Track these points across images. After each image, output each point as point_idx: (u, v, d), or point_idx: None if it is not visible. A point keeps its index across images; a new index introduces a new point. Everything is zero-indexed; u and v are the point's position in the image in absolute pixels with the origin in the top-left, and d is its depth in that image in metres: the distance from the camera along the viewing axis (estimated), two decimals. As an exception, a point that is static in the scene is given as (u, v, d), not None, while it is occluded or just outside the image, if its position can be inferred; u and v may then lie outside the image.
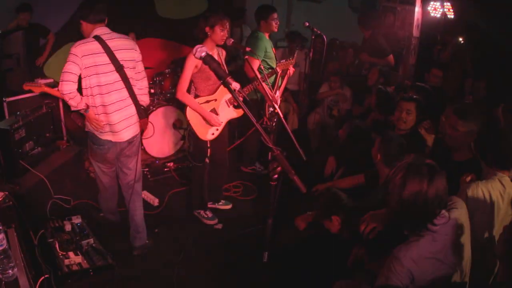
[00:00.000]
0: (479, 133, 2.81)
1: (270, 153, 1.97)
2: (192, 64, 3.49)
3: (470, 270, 2.19)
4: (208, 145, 3.78)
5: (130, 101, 3.19)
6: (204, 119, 3.67)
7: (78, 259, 3.01)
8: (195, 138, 3.74)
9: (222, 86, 3.63)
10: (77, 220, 3.45)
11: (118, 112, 3.12)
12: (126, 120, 3.19)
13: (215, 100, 3.71)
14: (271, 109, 4.25)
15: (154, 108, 4.92)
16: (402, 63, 6.03)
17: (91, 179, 4.54)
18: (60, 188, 3.97)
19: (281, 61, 4.22)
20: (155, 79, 5.35)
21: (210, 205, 4.14)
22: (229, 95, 3.74)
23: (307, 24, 4.77)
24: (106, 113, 3.09)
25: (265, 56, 4.41)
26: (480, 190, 2.41)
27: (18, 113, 3.75)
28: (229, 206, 4.28)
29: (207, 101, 3.67)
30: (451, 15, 5.56)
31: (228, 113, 3.82)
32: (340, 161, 4.03)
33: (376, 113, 4.39)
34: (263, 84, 3.70)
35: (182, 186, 4.59)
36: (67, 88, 2.89)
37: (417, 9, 5.88)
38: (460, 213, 2.08)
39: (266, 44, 4.44)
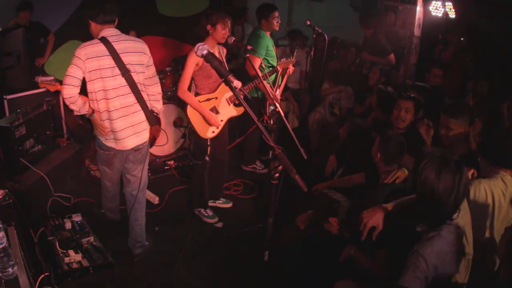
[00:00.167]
0: (482, 132, 2.83)
1: (271, 152, 1.96)
2: (193, 62, 3.48)
3: (470, 269, 2.19)
4: (208, 143, 3.78)
5: (137, 107, 3.05)
6: (204, 117, 3.66)
7: (78, 257, 3.00)
8: (195, 136, 3.74)
9: (222, 84, 3.65)
10: (77, 218, 3.44)
11: (122, 119, 2.99)
12: (132, 127, 3.06)
13: (216, 98, 3.70)
14: (271, 107, 4.25)
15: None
16: (403, 63, 6.01)
17: (91, 177, 4.55)
18: (61, 186, 3.97)
19: (282, 59, 4.21)
20: (155, 77, 5.33)
21: (210, 203, 4.14)
22: (229, 93, 3.74)
23: (308, 22, 4.77)
24: (111, 119, 2.98)
25: (266, 54, 4.41)
26: (483, 188, 2.42)
27: (19, 110, 3.75)
28: (229, 205, 4.28)
29: (208, 99, 3.67)
30: (452, 15, 5.54)
31: (228, 111, 3.82)
32: (341, 160, 4.02)
33: (377, 112, 4.39)
34: (264, 82, 3.70)
35: (183, 184, 4.58)
36: (67, 92, 2.78)
37: (419, 8, 5.86)
38: (463, 206, 2.12)
39: (268, 42, 4.43)
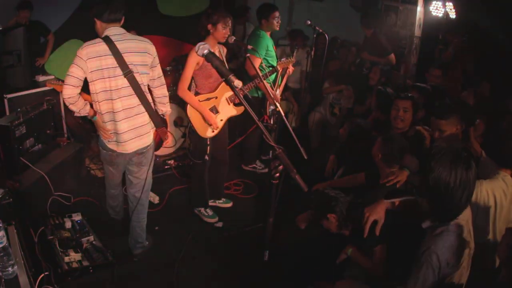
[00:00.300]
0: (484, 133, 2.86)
1: (271, 152, 1.96)
2: (194, 61, 3.48)
3: (470, 269, 2.19)
4: (208, 143, 3.78)
5: (141, 109, 2.95)
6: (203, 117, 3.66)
7: (78, 256, 3.00)
8: (195, 136, 3.73)
9: (222, 84, 3.65)
10: (77, 217, 3.44)
11: (124, 121, 2.90)
12: (134, 130, 2.96)
13: (216, 97, 3.70)
14: (272, 107, 4.26)
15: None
16: (403, 63, 6.02)
17: (91, 176, 4.55)
18: (61, 185, 3.97)
19: (282, 59, 4.22)
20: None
21: (210, 203, 4.14)
22: (229, 93, 3.74)
23: (309, 22, 4.77)
24: (113, 121, 2.89)
25: (266, 54, 4.40)
26: (484, 190, 2.42)
27: (19, 109, 3.75)
28: (229, 204, 4.28)
29: (208, 99, 3.67)
30: (453, 15, 5.54)
31: (228, 111, 3.82)
32: (341, 160, 4.02)
33: (377, 113, 4.39)
34: (264, 82, 3.70)
35: (183, 184, 4.58)
36: (66, 92, 2.72)
37: (419, 8, 5.86)
38: None
39: (268, 42, 4.43)
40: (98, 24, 2.82)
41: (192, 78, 3.62)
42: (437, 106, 3.28)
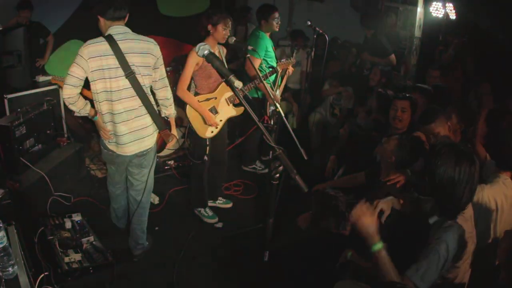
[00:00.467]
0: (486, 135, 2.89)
1: (271, 152, 1.96)
2: (193, 61, 3.48)
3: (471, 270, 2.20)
4: (208, 143, 3.77)
5: (143, 111, 2.89)
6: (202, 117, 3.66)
7: (78, 256, 3.01)
8: (194, 136, 3.73)
9: (222, 84, 3.65)
10: (77, 217, 3.45)
11: (125, 123, 2.85)
12: (135, 132, 2.90)
13: (215, 98, 3.71)
14: (272, 108, 4.26)
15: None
16: (403, 64, 6.02)
17: (91, 176, 4.55)
18: (61, 185, 3.98)
19: (282, 60, 4.22)
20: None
21: (210, 203, 4.14)
22: (229, 94, 3.74)
23: (309, 23, 4.76)
24: (113, 122, 2.85)
25: (265, 55, 4.41)
26: (486, 195, 2.41)
27: (19, 109, 3.75)
28: (229, 205, 4.28)
29: (207, 99, 3.67)
30: (453, 16, 5.55)
31: (228, 111, 3.82)
32: (341, 161, 4.03)
33: (378, 115, 4.38)
34: (265, 83, 3.70)
35: (183, 184, 4.58)
36: (66, 92, 2.68)
37: (419, 9, 5.87)
38: None
39: (267, 43, 4.43)
40: (102, 21, 2.76)
41: (192, 78, 3.63)
42: (420, 116, 3.34)
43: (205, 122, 3.67)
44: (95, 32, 2.87)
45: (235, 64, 5.78)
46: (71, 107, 2.78)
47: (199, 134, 3.69)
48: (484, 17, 5.45)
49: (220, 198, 4.26)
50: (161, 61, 2.95)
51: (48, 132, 4.10)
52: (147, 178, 3.13)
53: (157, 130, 3.05)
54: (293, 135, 2.78)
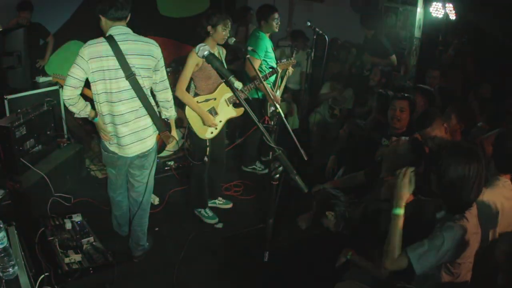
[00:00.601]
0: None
1: (271, 153, 1.97)
2: (193, 62, 3.48)
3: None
4: (207, 144, 3.77)
5: (143, 112, 2.88)
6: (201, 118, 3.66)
7: (78, 257, 3.01)
8: (194, 137, 3.73)
9: (221, 85, 3.64)
10: (77, 218, 3.45)
11: (126, 125, 2.83)
12: (136, 134, 2.89)
13: (215, 99, 3.70)
14: (272, 108, 4.26)
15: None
16: (403, 64, 6.02)
17: (91, 177, 4.56)
18: (61, 186, 3.98)
19: (282, 61, 4.21)
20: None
21: (210, 204, 4.14)
22: (228, 94, 3.73)
23: (309, 23, 4.77)
24: (114, 124, 2.83)
25: (265, 56, 4.40)
26: (486, 198, 2.41)
27: (19, 110, 3.75)
28: (229, 205, 4.28)
29: (206, 100, 3.66)
30: (452, 16, 5.55)
31: (227, 112, 3.81)
32: (341, 161, 4.03)
33: (378, 115, 4.39)
34: (265, 83, 3.70)
35: (183, 185, 4.59)
36: (66, 94, 2.66)
37: (419, 9, 5.88)
38: None
39: (267, 44, 4.43)
40: (103, 21, 2.74)
41: (192, 79, 3.62)
42: (415, 121, 3.36)
43: (204, 123, 3.67)
44: (95, 33, 2.85)
45: (236, 65, 5.78)
46: (71, 109, 2.76)
47: (199, 135, 3.69)
48: (484, 17, 5.45)
49: (220, 198, 4.26)
50: (162, 63, 2.94)
51: (48, 132, 4.10)
52: (148, 179, 3.13)
53: (157, 131, 3.05)
54: (293, 135, 2.78)
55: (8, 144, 3.54)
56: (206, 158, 3.78)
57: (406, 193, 2.17)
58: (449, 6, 5.47)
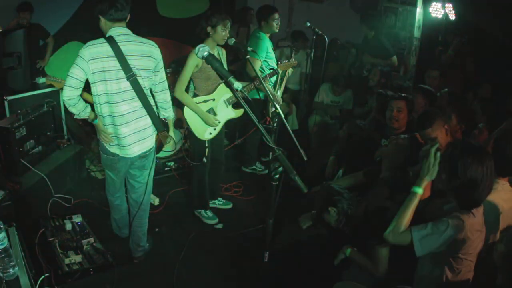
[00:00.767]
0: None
1: (271, 153, 1.97)
2: (193, 63, 3.48)
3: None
4: (207, 145, 3.77)
5: (143, 112, 2.89)
6: (202, 118, 3.66)
7: (79, 258, 3.02)
8: (193, 138, 3.73)
9: (220, 86, 3.64)
10: (77, 219, 3.46)
11: (126, 125, 2.84)
12: (137, 134, 2.90)
13: (213, 100, 3.70)
14: (273, 109, 4.26)
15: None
16: (403, 64, 6.03)
17: (91, 178, 4.56)
18: (61, 187, 3.99)
19: (283, 61, 4.21)
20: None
21: (210, 204, 4.14)
22: (228, 95, 3.73)
23: (308, 24, 4.77)
24: (114, 125, 2.83)
25: (266, 56, 4.41)
26: (486, 200, 2.41)
27: (19, 111, 3.75)
28: (229, 206, 4.28)
29: (205, 101, 3.65)
30: (452, 16, 5.56)
31: (226, 113, 3.80)
32: (341, 161, 4.03)
33: (378, 116, 4.39)
34: (265, 84, 3.69)
35: (183, 186, 4.59)
36: (66, 94, 2.65)
37: (418, 9, 5.88)
38: None
39: (267, 44, 4.43)
40: (103, 22, 2.73)
41: (191, 80, 3.62)
42: (416, 121, 3.34)
43: (203, 124, 3.66)
44: (95, 34, 2.85)
45: (236, 65, 5.78)
46: (71, 109, 2.76)
47: (198, 135, 3.69)
48: (484, 17, 5.46)
49: (220, 199, 4.27)
50: (161, 64, 2.95)
51: (48, 133, 4.10)
52: (148, 179, 3.14)
53: (156, 132, 3.06)
54: (292, 136, 2.78)
55: (8, 145, 3.54)
56: (205, 159, 3.77)
57: (432, 174, 2.20)
58: (449, 6, 5.47)
